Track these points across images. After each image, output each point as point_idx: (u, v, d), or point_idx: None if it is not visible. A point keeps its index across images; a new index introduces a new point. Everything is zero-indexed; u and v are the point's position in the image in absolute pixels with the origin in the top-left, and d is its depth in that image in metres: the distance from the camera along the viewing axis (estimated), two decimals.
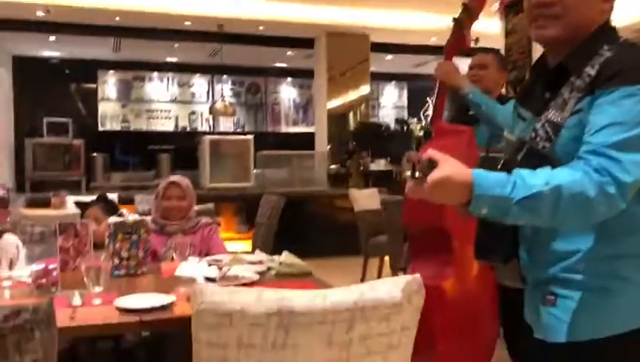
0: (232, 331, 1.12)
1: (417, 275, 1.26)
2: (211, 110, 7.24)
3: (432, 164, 1.09)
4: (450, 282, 2.40)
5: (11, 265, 1.98)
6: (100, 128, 7.24)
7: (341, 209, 6.15)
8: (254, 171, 6.21)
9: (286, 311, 1.13)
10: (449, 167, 1.09)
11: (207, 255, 2.49)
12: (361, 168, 6.90)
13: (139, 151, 7.38)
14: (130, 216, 2.20)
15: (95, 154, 6.70)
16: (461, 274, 2.49)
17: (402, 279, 1.24)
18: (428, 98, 7.08)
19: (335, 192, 6.21)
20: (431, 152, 1.11)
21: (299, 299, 1.15)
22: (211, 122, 7.61)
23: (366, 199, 4.78)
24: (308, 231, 5.64)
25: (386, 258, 4.54)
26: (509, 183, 1.07)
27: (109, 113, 7.35)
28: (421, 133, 6.25)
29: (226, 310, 1.11)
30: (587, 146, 1.08)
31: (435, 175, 1.08)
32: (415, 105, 7.85)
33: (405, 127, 7.55)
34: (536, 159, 1.15)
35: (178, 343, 2.25)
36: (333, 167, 7.12)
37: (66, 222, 1.89)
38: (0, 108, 6.25)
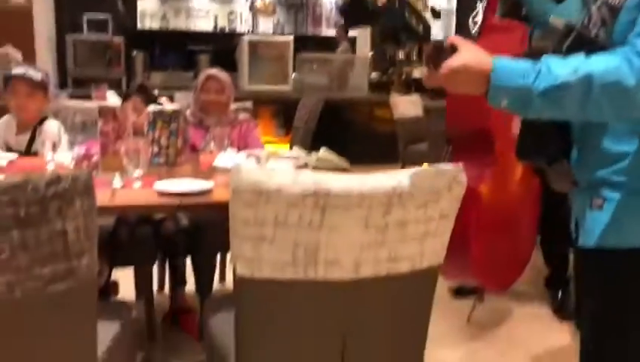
0: (268, 209, 1.12)
1: (460, 164, 1.22)
2: (251, 8, 7.04)
3: (452, 49, 1.02)
4: (488, 185, 2.37)
5: (54, 149, 2.01)
6: (139, 26, 7.14)
7: (380, 118, 6.06)
8: (293, 75, 6.10)
9: (323, 192, 1.11)
10: (468, 54, 1.01)
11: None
12: (404, 76, 6.69)
13: (178, 52, 7.30)
14: (169, 105, 2.19)
15: (135, 52, 6.66)
16: (501, 179, 2.45)
17: (444, 167, 1.20)
18: (478, 2, 6.71)
19: (375, 99, 6.08)
20: (453, 38, 1.03)
21: (336, 181, 1.13)
22: (250, 23, 7.41)
23: (407, 105, 4.66)
24: (345, 137, 5.59)
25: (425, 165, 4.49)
26: (532, 72, 0.98)
27: (149, 11, 7.22)
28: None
29: (263, 188, 1.10)
30: (639, 28, 0.97)
31: (450, 62, 1.01)
32: (465, 13, 7.46)
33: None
34: (584, 47, 1.04)
35: (214, 233, 2.31)
36: (374, 75, 6.93)
37: (107, 106, 1.89)
38: (40, 2, 6.21)
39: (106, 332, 1.39)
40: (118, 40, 6.39)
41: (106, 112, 1.82)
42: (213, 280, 2.40)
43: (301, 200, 1.11)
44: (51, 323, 1.15)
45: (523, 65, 1.00)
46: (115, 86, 5.87)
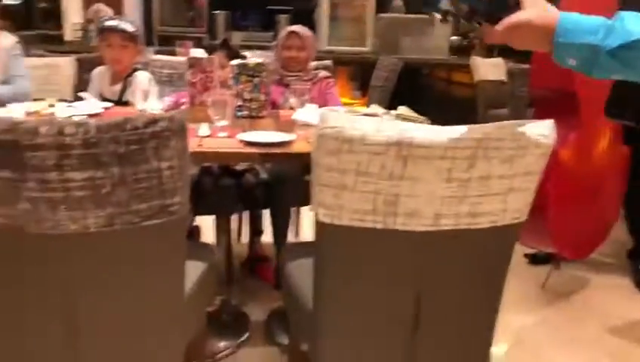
0: (351, 157, 1.14)
1: (550, 121, 1.18)
2: None
3: (516, 4, 0.97)
4: (570, 150, 2.28)
5: (144, 99, 2.11)
6: None
7: (459, 81, 5.90)
8: (372, 36, 6.02)
9: (406, 142, 1.12)
10: (531, 11, 0.95)
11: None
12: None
13: (258, 12, 7.37)
14: (252, 58, 2.23)
15: (217, 12, 6.78)
16: (585, 144, 2.35)
17: (532, 122, 1.17)
18: None
19: (455, 61, 5.92)
20: None
21: (420, 132, 1.13)
22: None
23: (488, 68, 4.52)
24: (423, 100, 5.50)
25: None
26: (603, 28, 0.90)
27: None
28: None
29: (346, 136, 1.12)
30: None
31: (512, 17, 0.96)
32: None
33: None
34: None
35: (292, 187, 2.38)
36: (454, 38, 6.72)
37: (195, 58, 1.96)
38: None
39: (193, 269, 1.47)
40: None
41: (194, 64, 1.89)
42: (287, 231, 2.47)
43: (384, 149, 1.12)
44: (146, 255, 1.24)
45: (594, 20, 0.93)
46: (197, 45, 6.03)
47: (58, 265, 1.19)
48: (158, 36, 6.59)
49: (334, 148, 1.14)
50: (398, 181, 1.15)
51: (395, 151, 1.12)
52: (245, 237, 2.78)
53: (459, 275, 1.31)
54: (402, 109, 2.17)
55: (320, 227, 1.24)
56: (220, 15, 6.81)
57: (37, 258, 1.18)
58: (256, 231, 2.63)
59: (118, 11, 6.24)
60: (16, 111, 2.00)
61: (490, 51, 6.32)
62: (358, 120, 1.15)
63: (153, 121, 1.12)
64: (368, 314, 1.31)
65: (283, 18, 7.07)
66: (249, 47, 5.36)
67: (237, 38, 6.89)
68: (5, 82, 2.32)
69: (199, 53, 3.16)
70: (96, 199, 1.13)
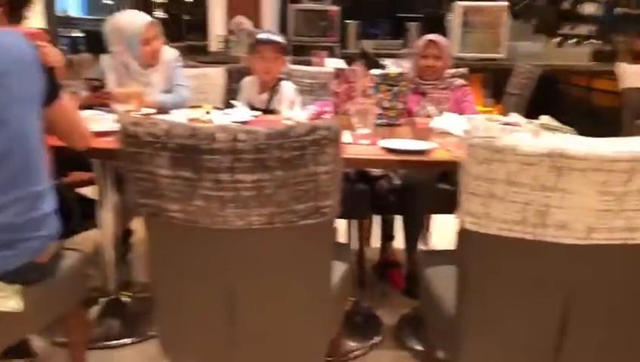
0: (502, 167, 1.15)
1: None
2: None
3: None
4: None
5: (291, 107, 2.26)
6: None
7: (601, 89, 5.55)
8: (507, 42, 5.85)
9: (560, 153, 1.12)
10: None
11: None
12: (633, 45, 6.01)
13: (388, 20, 7.46)
14: (392, 68, 2.30)
15: (349, 21, 6.96)
16: None
17: None
18: None
19: (597, 68, 5.58)
20: None
21: (575, 144, 1.12)
22: None
23: (636, 75, 4.21)
24: (560, 110, 5.23)
25: None
26: None
27: None
28: None
29: (498, 146, 1.14)
30: None
31: None
32: None
33: None
34: None
35: (425, 194, 2.40)
36: (594, 41, 6.34)
37: (340, 68, 2.06)
38: None
39: (336, 268, 1.56)
40: (335, 9, 6.73)
41: (339, 74, 1.99)
42: (419, 238, 2.51)
43: (537, 160, 1.13)
44: (300, 251, 1.34)
45: None
46: (330, 53, 6.24)
47: (224, 256, 1.32)
48: (292, 46, 6.90)
49: (485, 158, 1.16)
50: (550, 192, 1.15)
51: (549, 162, 1.12)
52: (375, 242, 2.84)
53: (610, 290, 1.27)
54: (545, 119, 2.12)
55: (465, 235, 1.26)
56: (352, 24, 6.99)
57: (207, 248, 1.33)
58: (387, 236, 2.69)
59: (257, 23, 6.63)
60: (178, 118, 2.23)
61: (637, 58, 5.89)
62: (509, 130, 1.17)
63: (313, 129, 1.22)
64: (513, 323, 1.31)
65: (413, 26, 7.09)
66: (378, 55, 5.45)
67: (367, 45, 7.01)
68: (168, 91, 2.58)
69: (335, 62, 3.28)
70: (260, 199, 1.25)
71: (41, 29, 3.09)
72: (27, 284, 1.43)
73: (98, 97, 2.27)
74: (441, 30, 6.26)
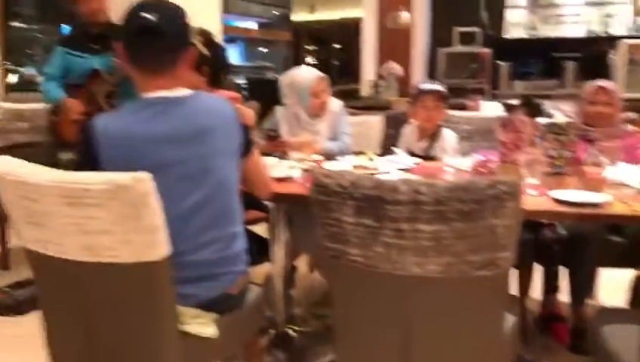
0: None
1: None
2: (635, 9, 6.42)
3: None
4: None
5: (454, 155, 2.30)
6: (506, 36, 7.30)
7: None
8: None
9: None
10: None
11: None
12: None
13: (542, 60, 7.22)
14: (560, 117, 2.26)
15: (500, 62, 6.85)
16: None
17: None
18: None
19: None
20: None
21: None
22: (631, 24, 6.80)
23: None
24: None
25: None
26: None
27: (516, 20, 7.32)
28: None
29: None
30: None
31: None
32: None
33: None
34: None
35: (596, 246, 2.30)
36: None
37: (507, 117, 2.07)
38: (420, 20, 6.95)
39: (507, 320, 1.56)
40: (485, 51, 6.68)
41: (506, 123, 2.00)
42: (588, 291, 2.39)
43: None
44: (473, 302, 1.37)
45: None
46: (479, 95, 6.17)
47: (401, 300, 1.40)
48: None
49: None
50: None
51: None
52: (534, 292, 2.74)
53: None
54: None
55: None
56: (504, 65, 6.88)
57: (385, 292, 1.41)
58: (552, 287, 2.59)
59: (407, 68, 6.78)
60: (345, 165, 2.37)
61: None
62: None
63: (493, 184, 1.27)
64: None
65: (570, 65, 6.80)
66: (535, 96, 5.30)
67: (519, 87, 6.85)
68: (333, 139, 2.76)
69: (491, 106, 3.28)
70: (438, 248, 1.31)
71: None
72: (220, 313, 1.61)
73: (275, 146, 2.50)
74: (603, 69, 5.94)
